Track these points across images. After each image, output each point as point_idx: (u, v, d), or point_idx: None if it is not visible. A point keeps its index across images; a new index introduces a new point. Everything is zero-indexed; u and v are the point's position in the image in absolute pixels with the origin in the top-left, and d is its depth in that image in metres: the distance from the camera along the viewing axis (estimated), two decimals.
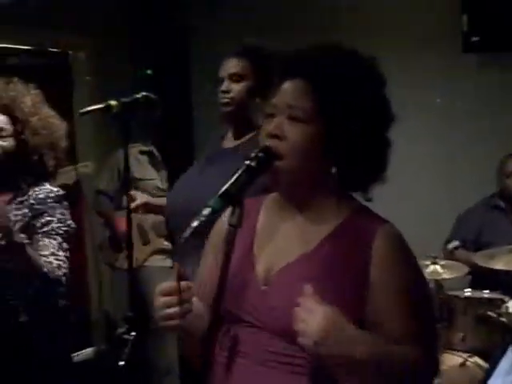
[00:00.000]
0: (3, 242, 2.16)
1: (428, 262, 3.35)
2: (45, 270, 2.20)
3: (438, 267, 3.36)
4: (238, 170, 1.37)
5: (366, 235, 1.41)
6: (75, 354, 4.41)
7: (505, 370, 2.10)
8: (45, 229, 2.28)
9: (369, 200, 1.49)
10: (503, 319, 3.19)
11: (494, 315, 3.24)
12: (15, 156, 2.31)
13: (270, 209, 1.54)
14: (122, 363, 1.70)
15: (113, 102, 1.66)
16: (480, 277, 3.52)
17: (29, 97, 2.38)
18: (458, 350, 3.29)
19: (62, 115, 2.49)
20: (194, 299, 1.41)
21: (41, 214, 2.29)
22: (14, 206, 2.31)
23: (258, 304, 1.41)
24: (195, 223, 1.28)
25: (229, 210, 1.36)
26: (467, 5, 4.02)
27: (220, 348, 1.46)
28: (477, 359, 3.22)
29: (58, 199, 2.34)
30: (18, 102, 2.34)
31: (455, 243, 3.59)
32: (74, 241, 2.40)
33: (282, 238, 1.47)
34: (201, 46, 5.00)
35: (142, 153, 4.10)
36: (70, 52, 4.85)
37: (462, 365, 3.19)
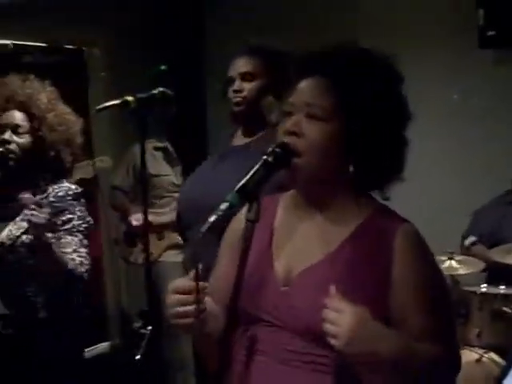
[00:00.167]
0: (28, 240, 2.19)
1: (444, 258, 3.34)
2: (70, 267, 2.23)
3: (453, 263, 3.35)
4: (254, 165, 1.37)
5: (386, 235, 1.41)
6: (90, 348, 4.45)
7: None
8: (66, 226, 2.30)
9: (386, 199, 1.49)
10: None
11: (510, 311, 3.22)
12: (32, 153, 2.33)
13: (288, 207, 1.54)
14: (138, 357, 1.70)
15: (130, 98, 1.66)
16: (496, 272, 3.50)
17: (44, 93, 2.40)
18: (473, 346, 3.27)
19: (77, 111, 2.50)
20: (207, 299, 1.40)
21: (61, 211, 2.31)
22: (34, 204, 2.33)
23: (278, 304, 1.41)
24: (213, 218, 1.29)
25: (245, 207, 1.37)
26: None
27: (238, 347, 1.46)
28: (492, 355, 3.21)
29: (77, 196, 2.36)
30: (34, 98, 2.36)
31: (472, 239, 3.58)
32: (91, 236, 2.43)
33: (301, 238, 1.47)
34: (215, 44, 5.00)
35: (157, 149, 4.11)
36: (85, 48, 4.86)
37: (478, 361, 3.18)
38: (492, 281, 3.50)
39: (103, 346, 4.90)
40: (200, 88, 4.98)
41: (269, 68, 2.45)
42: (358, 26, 4.33)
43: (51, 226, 2.18)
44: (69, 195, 2.34)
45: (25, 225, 2.26)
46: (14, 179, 2.36)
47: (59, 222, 2.30)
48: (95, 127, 4.49)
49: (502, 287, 3.36)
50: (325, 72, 1.43)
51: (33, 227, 2.09)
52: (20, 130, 2.33)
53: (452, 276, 3.33)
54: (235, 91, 2.45)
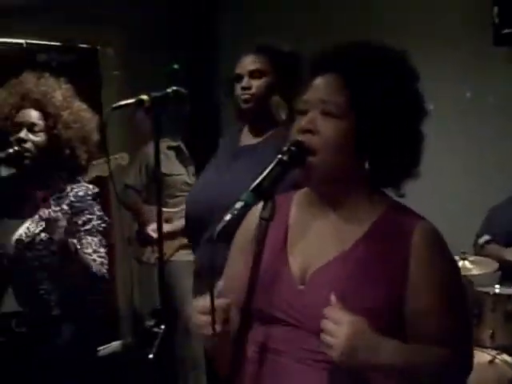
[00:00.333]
0: (46, 238, 2.20)
1: (457, 258, 3.33)
2: (93, 269, 2.27)
3: (467, 263, 3.33)
4: (269, 164, 1.37)
5: (403, 233, 1.40)
6: (102, 347, 4.46)
7: None
8: (86, 227, 2.32)
9: (401, 196, 1.49)
10: None
11: None
12: (47, 151, 2.34)
13: (301, 204, 1.54)
14: (151, 356, 1.71)
15: (144, 97, 1.66)
16: (510, 273, 3.48)
17: (60, 91, 2.40)
18: (486, 347, 3.25)
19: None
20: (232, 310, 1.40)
21: (81, 211, 2.32)
22: (52, 202, 2.34)
23: (293, 302, 1.40)
24: (228, 217, 1.29)
25: (259, 206, 1.36)
26: None
27: (251, 347, 1.45)
28: (505, 356, 3.18)
29: (96, 196, 2.38)
30: (49, 96, 2.37)
31: (486, 238, 3.56)
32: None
33: (316, 237, 1.47)
34: (228, 43, 5.00)
35: (170, 148, 4.11)
36: (99, 47, 4.88)
37: (491, 362, 3.15)
38: (505, 281, 3.48)
39: (115, 345, 4.92)
40: (213, 87, 4.99)
41: (276, 67, 2.45)
42: (371, 25, 4.31)
43: (69, 226, 2.21)
44: (88, 195, 2.36)
45: (43, 223, 2.28)
46: (30, 177, 2.37)
47: (79, 222, 2.32)
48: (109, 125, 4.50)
49: None
50: (339, 69, 1.43)
51: (47, 223, 2.10)
52: (35, 129, 2.34)
53: (465, 276, 3.31)
54: (244, 88, 2.45)
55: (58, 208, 2.31)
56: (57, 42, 4.60)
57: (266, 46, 2.51)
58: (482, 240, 3.57)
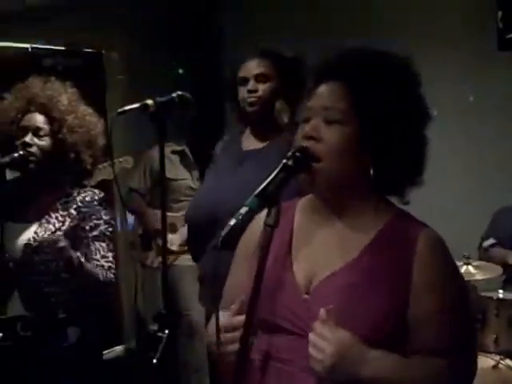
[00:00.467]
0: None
1: (461, 263, 3.32)
2: (100, 277, 2.29)
3: (470, 268, 3.33)
4: (274, 169, 1.37)
5: (408, 240, 1.41)
6: (105, 351, 4.46)
7: None
8: (94, 233, 2.34)
9: (406, 203, 1.49)
10: None
11: None
12: (52, 155, 2.34)
13: (306, 211, 1.54)
14: (155, 361, 1.71)
15: (149, 102, 1.66)
16: None
17: (65, 95, 2.41)
18: (490, 352, 3.25)
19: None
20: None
21: (89, 216, 2.34)
22: (59, 206, 2.35)
23: (298, 312, 1.40)
24: (232, 222, 1.29)
25: (263, 214, 1.36)
26: (503, 0, 3.92)
27: (256, 355, 1.45)
28: (509, 361, 3.18)
29: (101, 201, 2.39)
30: (55, 101, 2.37)
31: (491, 241, 3.56)
32: None
33: (321, 245, 1.47)
34: (232, 47, 5.01)
35: (174, 152, 4.12)
36: (104, 52, 4.89)
37: (495, 367, 3.15)
38: (509, 286, 3.48)
39: (119, 349, 4.92)
40: (218, 92, 4.99)
41: (280, 71, 2.47)
42: (373, 26, 4.31)
43: (77, 233, 2.29)
44: (95, 200, 2.38)
45: (51, 227, 2.29)
46: (35, 181, 2.38)
47: (87, 228, 2.34)
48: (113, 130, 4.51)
49: None
50: (343, 76, 1.44)
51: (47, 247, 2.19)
52: (41, 133, 2.35)
53: (469, 281, 3.31)
54: (250, 91, 2.45)
55: (65, 212, 2.33)
56: (62, 46, 4.61)
57: (270, 50, 2.52)
58: (486, 243, 3.57)
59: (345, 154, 1.40)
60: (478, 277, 3.31)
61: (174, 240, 2.46)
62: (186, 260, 3.93)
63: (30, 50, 4.41)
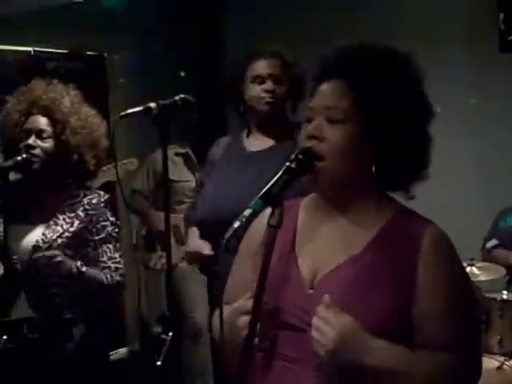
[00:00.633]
0: (62, 244, 2.25)
1: (464, 264, 3.32)
2: (104, 282, 2.31)
3: (474, 269, 3.34)
4: (278, 171, 1.38)
5: (412, 238, 1.41)
6: (109, 353, 4.46)
7: None
8: (101, 235, 2.36)
9: (411, 198, 1.49)
10: None
11: None
12: (56, 157, 2.35)
13: (309, 209, 1.54)
14: (159, 363, 1.71)
15: (152, 105, 1.66)
16: None
17: (68, 97, 2.42)
18: (494, 353, 3.25)
19: None
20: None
21: (96, 219, 2.35)
22: (66, 208, 2.36)
23: (305, 307, 1.40)
24: (236, 224, 1.30)
25: (265, 213, 1.36)
26: (504, 2, 3.93)
27: (261, 352, 1.44)
28: None
29: (107, 203, 2.40)
30: (58, 103, 2.38)
31: (493, 242, 3.56)
32: None
33: (324, 241, 1.47)
34: (236, 48, 5.01)
35: (178, 154, 4.13)
36: (105, 54, 4.90)
37: (499, 368, 3.16)
38: None
39: (122, 352, 4.92)
40: (220, 94, 5.00)
41: (291, 74, 2.47)
42: (372, 27, 4.31)
43: (86, 235, 2.32)
44: (101, 202, 2.39)
45: (59, 229, 2.30)
46: (39, 183, 2.39)
47: (94, 230, 2.35)
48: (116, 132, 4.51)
49: None
50: (344, 74, 1.44)
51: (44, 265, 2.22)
52: (44, 135, 2.36)
53: (472, 282, 3.31)
54: (267, 91, 2.45)
55: (72, 214, 2.34)
56: (64, 49, 4.62)
57: (280, 52, 2.53)
58: (489, 244, 3.58)
59: (348, 152, 1.41)
60: (482, 278, 3.32)
61: (204, 246, 2.47)
62: None
63: (32, 53, 4.41)
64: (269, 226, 1.34)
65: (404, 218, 1.46)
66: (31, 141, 2.33)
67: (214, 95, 4.39)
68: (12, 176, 2.35)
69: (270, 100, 2.47)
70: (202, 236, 2.59)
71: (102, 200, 2.40)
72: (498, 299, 3.33)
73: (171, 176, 3.90)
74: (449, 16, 4.24)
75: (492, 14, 3.96)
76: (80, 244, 2.34)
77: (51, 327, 2.29)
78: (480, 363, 1.47)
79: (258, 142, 2.56)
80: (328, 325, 1.31)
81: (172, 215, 3.49)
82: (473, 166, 4.28)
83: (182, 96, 1.74)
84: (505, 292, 3.38)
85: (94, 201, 2.38)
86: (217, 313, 1.41)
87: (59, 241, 2.31)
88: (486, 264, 3.42)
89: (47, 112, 2.37)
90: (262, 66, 2.50)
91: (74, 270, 2.25)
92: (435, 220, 1.48)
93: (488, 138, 4.18)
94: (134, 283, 4.83)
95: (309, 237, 1.49)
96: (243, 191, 2.15)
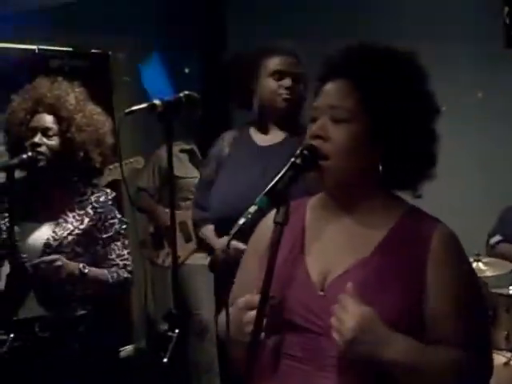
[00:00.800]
0: (73, 241, 2.27)
1: (471, 260, 3.32)
2: (109, 281, 2.33)
3: (481, 264, 3.32)
4: (283, 168, 1.37)
5: (421, 238, 1.40)
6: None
7: None
8: (110, 233, 2.38)
9: (418, 197, 1.48)
10: None
11: None
12: (61, 154, 2.36)
13: (316, 209, 1.54)
14: (165, 360, 1.71)
15: (157, 102, 1.66)
16: None
17: (73, 94, 2.42)
18: (501, 349, 3.23)
19: None
20: None
21: (105, 217, 2.37)
22: (75, 205, 2.37)
23: (316, 309, 1.40)
24: (242, 220, 1.29)
25: (273, 214, 1.35)
26: None
27: (269, 353, 1.44)
28: None
29: (114, 201, 2.41)
30: (63, 100, 2.39)
31: (497, 238, 3.55)
32: None
33: (333, 242, 1.46)
34: (239, 46, 5.01)
35: (183, 151, 4.13)
36: (110, 53, 4.90)
37: (506, 364, 3.14)
38: None
39: (129, 349, 4.93)
40: (225, 90, 5.00)
41: (305, 73, 2.47)
42: (374, 25, 4.30)
43: (95, 232, 2.33)
44: (109, 200, 2.41)
45: (70, 226, 2.31)
46: (45, 181, 2.39)
47: (103, 228, 2.37)
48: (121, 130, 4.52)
49: None
50: (348, 74, 1.44)
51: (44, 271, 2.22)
52: (49, 133, 2.36)
53: (479, 278, 3.30)
54: (288, 88, 2.44)
55: (82, 212, 2.35)
56: (68, 47, 4.62)
57: (295, 51, 2.52)
58: (493, 240, 3.57)
59: (352, 152, 1.40)
60: (489, 273, 3.31)
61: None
62: (197, 259, 3.95)
63: (36, 51, 4.42)
64: (274, 223, 1.34)
65: (413, 218, 1.45)
66: (37, 139, 2.34)
67: (218, 91, 4.39)
68: (18, 174, 2.35)
69: (288, 97, 2.46)
70: (218, 233, 2.58)
71: (110, 198, 2.41)
72: (505, 294, 3.32)
73: (176, 172, 3.88)
74: (453, 11, 4.22)
75: (496, 8, 3.94)
76: (89, 241, 2.35)
77: (62, 326, 2.29)
78: (491, 362, 1.46)
79: (268, 137, 2.55)
80: (348, 314, 1.30)
81: (180, 212, 3.52)
82: (477, 162, 4.27)
83: (186, 93, 1.74)
84: (511, 287, 3.37)
85: (101, 198, 2.39)
86: (223, 311, 1.41)
87: (69, 238, 2.32)
88: (493, 259, 3.41)
89: (52, 110, 2.37)
90: (280, 62, 2.49)
91: (77, 272, 2.26)
92: (440, 217, 1.48)
93: (492, 135, 4.17)
94: (140, 280, 4.83)
95: (317, 237, 1.48)
96: (257, 186, 2.15)
